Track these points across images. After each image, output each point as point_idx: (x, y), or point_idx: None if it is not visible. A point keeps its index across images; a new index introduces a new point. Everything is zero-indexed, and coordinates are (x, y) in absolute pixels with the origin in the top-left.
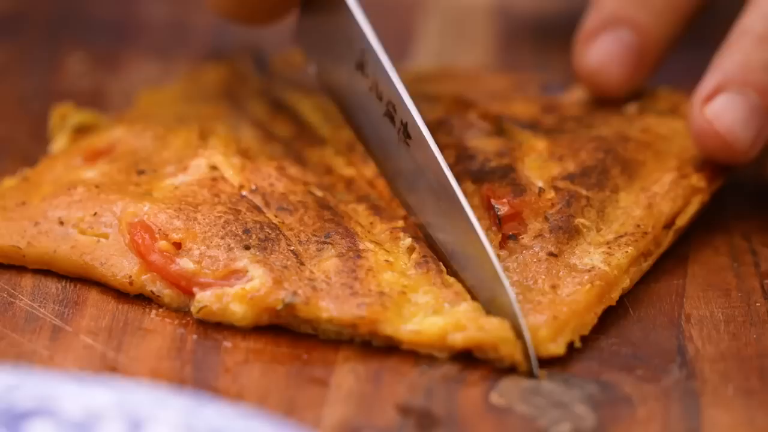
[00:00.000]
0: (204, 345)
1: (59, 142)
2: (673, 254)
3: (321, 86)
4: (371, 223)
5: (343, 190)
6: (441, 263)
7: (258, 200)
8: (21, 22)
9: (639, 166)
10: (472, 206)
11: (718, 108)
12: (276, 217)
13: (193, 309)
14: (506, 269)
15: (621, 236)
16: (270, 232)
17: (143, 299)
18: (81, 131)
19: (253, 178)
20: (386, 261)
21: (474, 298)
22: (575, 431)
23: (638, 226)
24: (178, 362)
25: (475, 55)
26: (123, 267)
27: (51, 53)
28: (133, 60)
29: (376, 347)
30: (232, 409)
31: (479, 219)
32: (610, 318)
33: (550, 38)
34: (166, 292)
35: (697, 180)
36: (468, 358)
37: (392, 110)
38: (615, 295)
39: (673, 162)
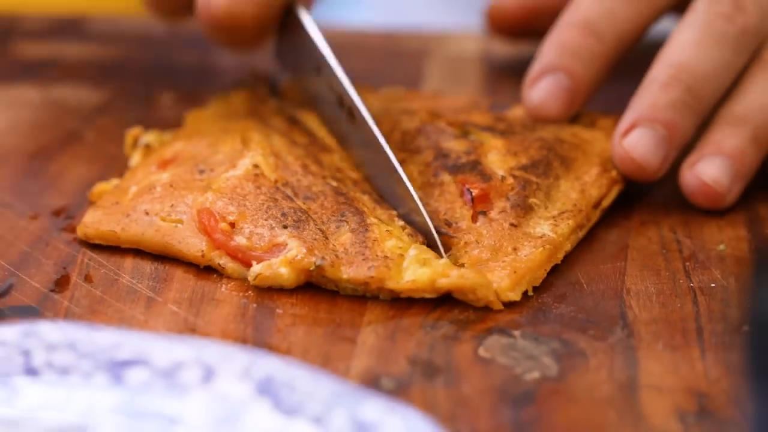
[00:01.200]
0: (261, 311)
1: (135, 158)
2: (615, 243)
3: (296, 90)
4: (373, 208)
5: (351, 185)
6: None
7: (289, 191)
8: (121, 67)
9: (572, 161)
10: (450, 193)
11: (633, 140)
12: (304, 204)
13: (249, 277)
14: (479, 235)
15: (563, 212)
16: (301, 215)
17: (215, 276)
18: (149, 147)
19: (284, 174)
20: (387, 231)
21: (405, 226)
22: (543, 377)
23: (575, 205)
24: (242, 325)
25: (467, 90)
26: (195, 245)
27: (146, 91)
28: (205, 96)
29: (392, 313)
30: (282, 361)
31: (454, 203)
32: (569, 291)
33: (515, 75)
34: (230, 265)
35: (615, 174)
36: (464, 322)
37: (341, 100)
38: (560, 256)
39: (596, 159)
